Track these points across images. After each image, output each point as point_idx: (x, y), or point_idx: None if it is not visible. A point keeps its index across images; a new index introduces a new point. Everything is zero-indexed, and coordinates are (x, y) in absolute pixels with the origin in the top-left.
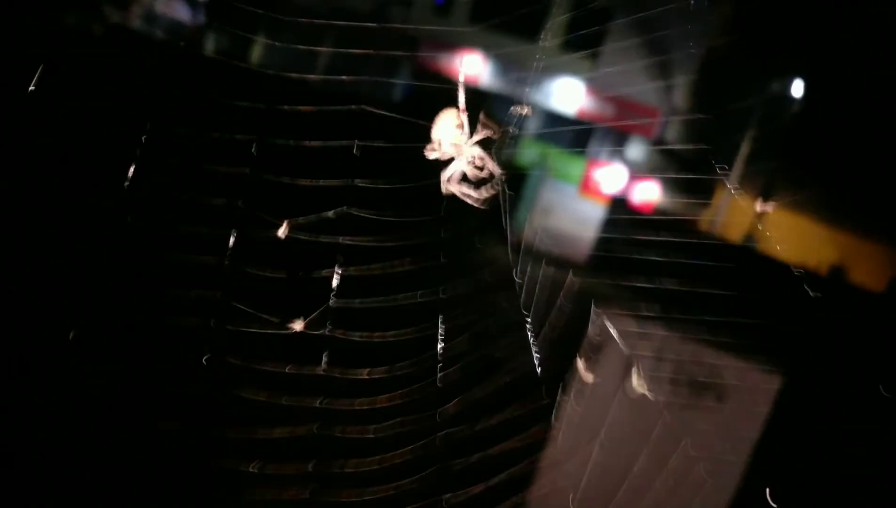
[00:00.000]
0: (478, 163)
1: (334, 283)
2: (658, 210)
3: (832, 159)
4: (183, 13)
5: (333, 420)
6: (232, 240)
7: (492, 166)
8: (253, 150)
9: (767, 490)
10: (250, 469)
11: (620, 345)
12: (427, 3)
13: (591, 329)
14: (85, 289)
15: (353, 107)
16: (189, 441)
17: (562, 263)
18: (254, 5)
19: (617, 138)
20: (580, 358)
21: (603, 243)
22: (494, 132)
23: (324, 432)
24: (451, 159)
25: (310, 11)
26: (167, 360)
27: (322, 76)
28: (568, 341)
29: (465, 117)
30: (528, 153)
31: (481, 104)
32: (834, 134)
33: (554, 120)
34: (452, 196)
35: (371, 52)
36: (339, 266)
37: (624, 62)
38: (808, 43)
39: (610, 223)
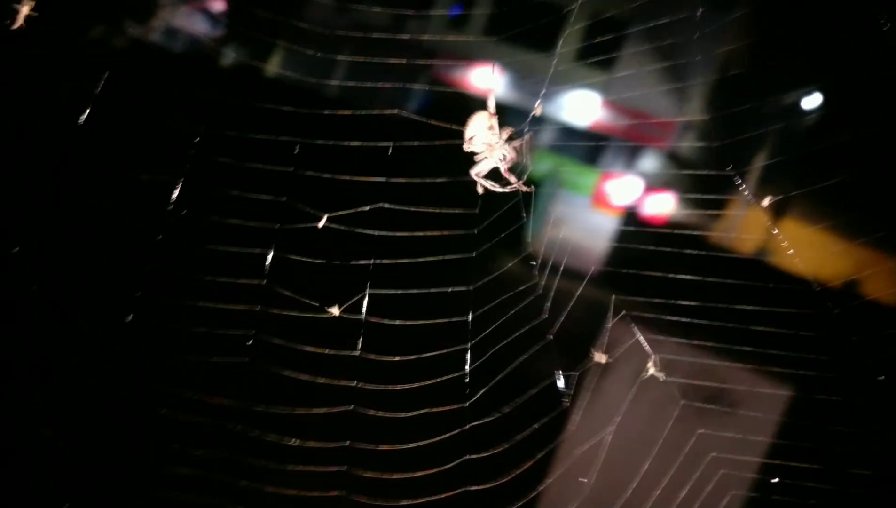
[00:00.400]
0: (508, 162)
1: (369, 271)
2: (672, 221)
3: (849, 172)
4: (203, 26)
5: (367, 402)
6: (276, 231)
7: (522, 160)
8: (296, 151)
9: (776, 479)
10: (290, 444)
11: (639, 340)
12: (443, 17)
13: (602, 331)
14: (142, 280)
15: (389, 112)
16: (235, 416)
17: (575, 272)
18: (272, 19)
19: (631, 150)
20: (590, 355)
21: (616, 255)
22: (518, 152)
23: (358, 411)
24: (481, 158)
25: (327, 25)
26: (216, 341)
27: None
28: (579, 342)
29: (495, 120)
30: (542, 164)
31: (501, 114)
32: (852, 147)
33: (568, 132)
34: (483, 193)
35: (389, 61)
36: (374, 258)
37: (639, 74)
38: (826, 54)
39: (623, 235)
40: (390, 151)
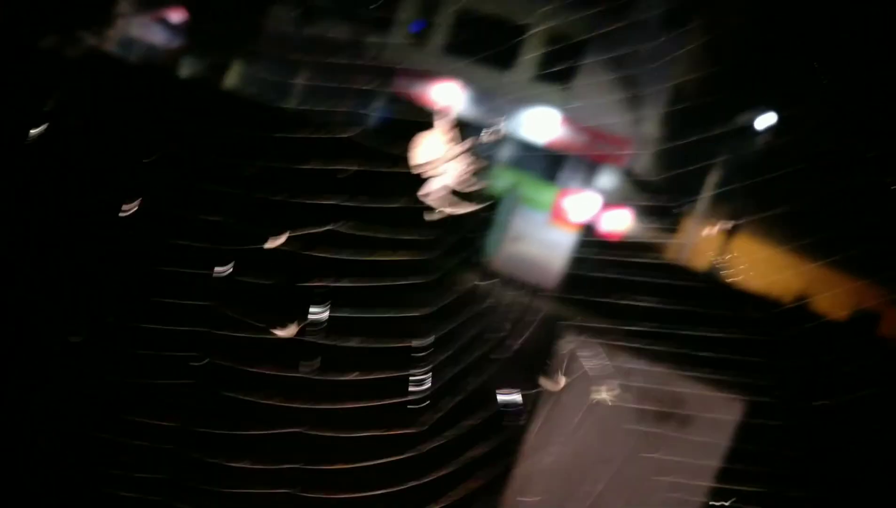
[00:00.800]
0: (461, 178)
1: (321, 293)
2: (628, 238)
3: (798, 191)
4: (160, 37)
5: (318, 423)
6: (225, 252)
7: (475, 182)
8: (246, 171)
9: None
10: (240, 466)
11: (585, 365)
12: (404, 34)
13: (559, 350)
14: (91, 296)
15: (345, 136)
16: (184, 438)
17: (533, 289)
18: (231, 32)
19: (588, 167)
20: (546, 375)
21: (572, 271)
22: (471, 163)
23: (310, 432)
24: (433, 176)
25: (287, 40)
26: (165, 362)
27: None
28: (537, 360)
29: (447, 138)
30: (501, 181)
31: (460, 132)
32: (800, 166)
33: (527, 149)
34: (437, 217)
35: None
36: (326, 279)
37: (596, 93)
38: (776, 77)
39: (580, 251)
40: (345, 174)
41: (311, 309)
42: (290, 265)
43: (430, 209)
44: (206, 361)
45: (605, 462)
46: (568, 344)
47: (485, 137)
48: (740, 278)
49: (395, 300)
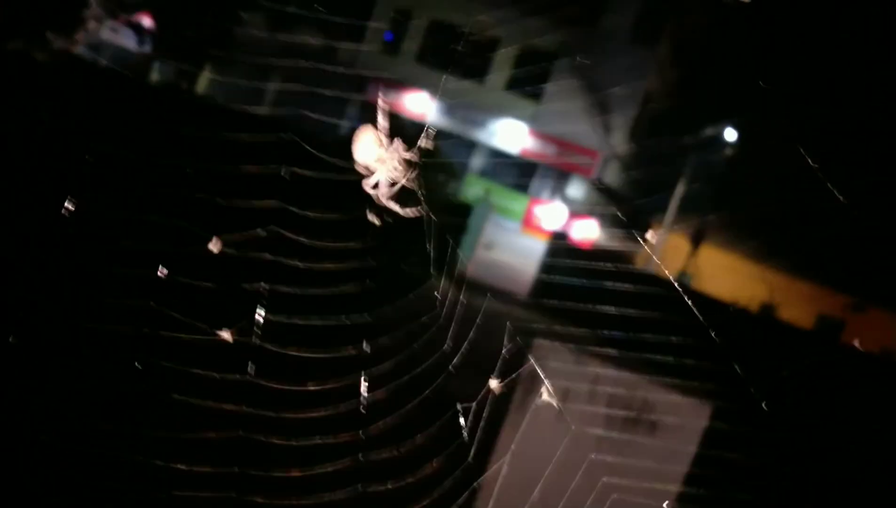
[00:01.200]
0: (402, 173)
1: (263, 297)
2: (596, 246)
3: (762, 201)
4: (130, 42)
5: (258, 428)
6: (167, 254)
7: (415, 173)
8: (188, 171)
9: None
10: (178, 468)
11: (534, 366)
12: (377, 41)
13: (503, 356)
14: (24, 296)
15: (283, 135)
16: (120, 441)
17: (498, 293)
18: (202, 37)
19: (558, 177)
20: (493, 378)
21: (542, 278)
22: (414, 154)
23: (249, 436)
24: (373, 172)
25: (259, 46)
26: (101, 363)
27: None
28: (489, 366)
29: (384, 134)
30: (473, 190)
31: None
32: (763, 177)
33: (499, 158)
34: (379, 223)
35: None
36: (267, 282)
37: (565, 105)
38: (742, 90)
39: (549, 258)
40: (283, 172)
41: (258, 312)
42: (232, 268)
43: (374, 211)
44: (145, 362)
45: (546, 465)
46: (508, 353)
47: (421, 141)
48: (706, 285)
49: (340, 306)
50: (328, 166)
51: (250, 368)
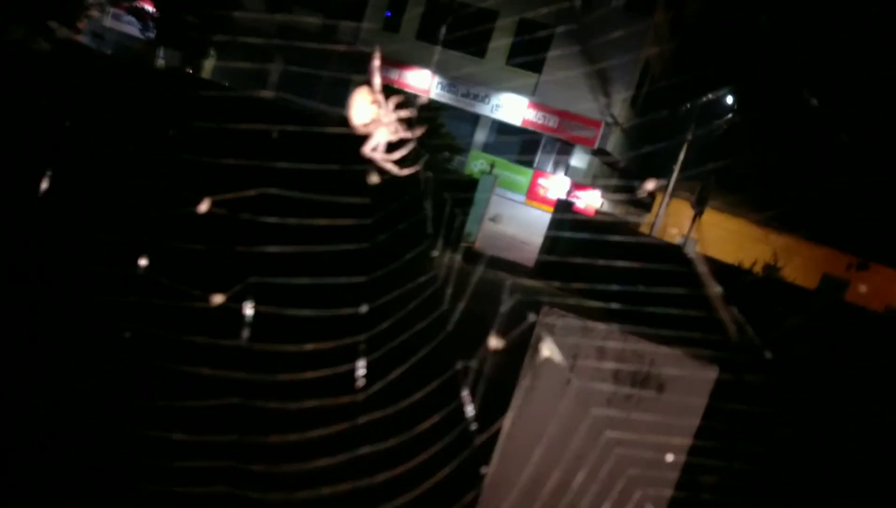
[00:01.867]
0: (398, 129)
1: (255, 259)
2: (600, 214)
3: (764, 163)
4: (133, 28)
5: (255, 394)
6: (155, 217)
7: (409, 133)
8: (171, 133)
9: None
10: (174, 438)
11: (537, 326)
12: (377, 19)
13: (502, 314)
14: (12, 266)
15: (274, 95)
16: (116, 411)
17: (504, 264)
18: (204, 21)
19: (560, 149)
20: (492, 336)
21: (547, 249)
22: (409, 111)
23: (246, 403)
24: (372, 133)
25: (259, 27)
26: (92, 334)
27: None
28: (489, 326)
29: (380, 95)
30: (476, 164)
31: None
32: (765, 140)
33: (502, 132)
34: (377, 183)
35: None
36: (259, 245)
37: (566, 76)
38: (741, 54)
39: (554, 228)
40: (274, 134)
41: (249, 277)
42: (222, 230)
43: (371, 171)
44: (133, 332)
45: (550, 422)
46: (507, 310)
47: (414, 107)
48: (711, 249)
49: (333, 267)
50: (323, 129)
51: (245, 333)
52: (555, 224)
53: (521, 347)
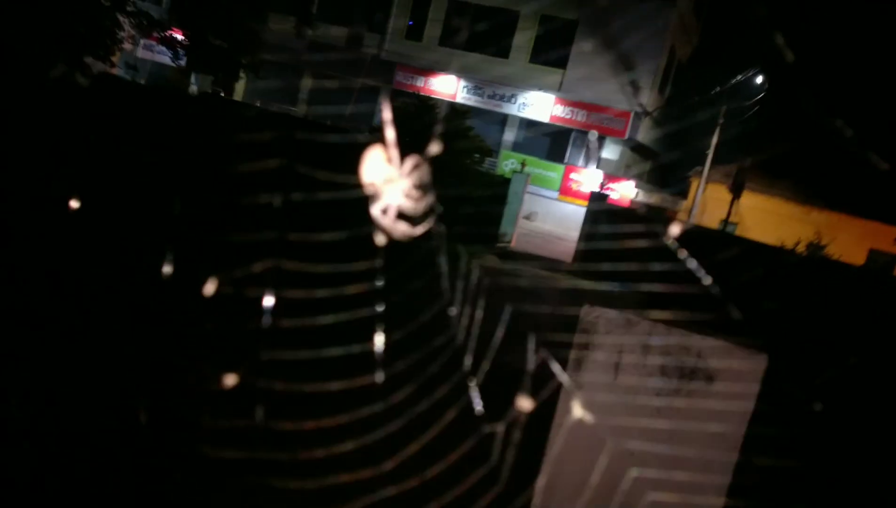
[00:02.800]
0: (414, 194)
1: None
2: (635, 205)
3: (800, 141)
4: (164, 57)
5: (273, 473)
6: (166, 300)
7: (428, 198)
8: (176, 209)
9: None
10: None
11: (561, 380)
12: (400, 28)
13: (528, 373)
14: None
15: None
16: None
17: (548, 263)
18: (232, 44)
19: (590, 142)
20: (521, 397)
21: (584, 243)
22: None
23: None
24: (383, 194)
25: (287, 45)
26: (114, 415)
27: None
28: (513, 384)
29: (394, 152)
30: (507, 164)
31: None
32: (800, 117)
33: (530, 130)
34: (387, 243)
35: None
36: (270, 315)
37: (591, 68)
38: (769, 33)
39: (589, 222)
40: (277, 201)
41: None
42: (233, 308)
43: (380, 233)
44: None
45: (586, 484)
46: (534, 365)
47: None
48: (752, 232)
49: (349, 333)
50: (328, 187)
51: (259, 413)
52: (590, 217)
53: (549, 405)
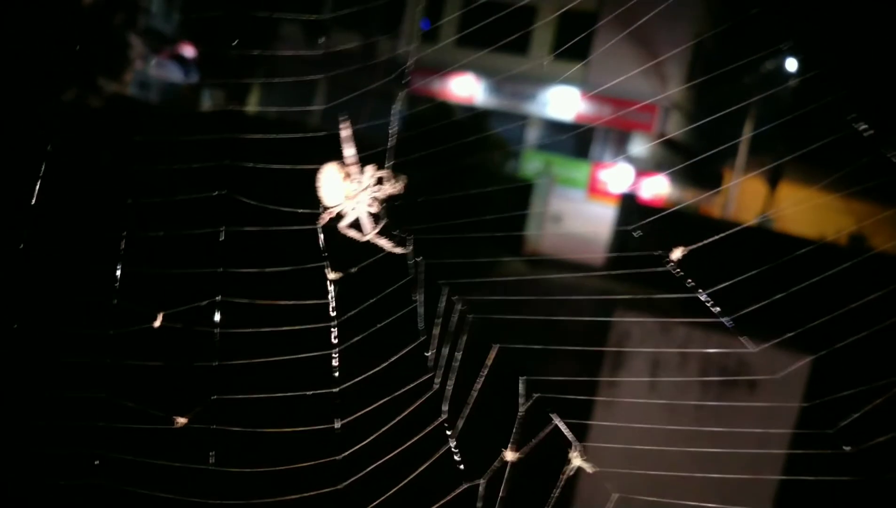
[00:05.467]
0: (379, 204)
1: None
2: (669, 202)
3: (836, 129)
4: (176, 74)
5: None
6: (108, 337)
7: (390, 189)
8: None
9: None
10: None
11: (558, 425)
12: (414, 32)
13: (519, 419)
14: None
15: (216, 193)
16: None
17: (579, 266)
18: (245, 58)
19: (618, 138)
20: (507, 448)
21: (616, 244)
22: (394, 186)
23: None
24: (346, 211)
25: (300, 56)
26: (62, 461)
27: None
28: (501, 431)
29: (353, 167)
30: (531, 164)
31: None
32: (835, 104)
33: (554, 129)
34: (337, 277)
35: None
36: (218, 358)
37: (615, 62)
38: (798, 17)
39: (622, 222)
40: (222, 236)
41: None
42: (181, 344)
43: (327, 268)
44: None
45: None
46: (524, 413)
47: (384, 184)
48: (789, 225)
49: (299, 377)
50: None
51: (211, 456)
52: (621, 218)
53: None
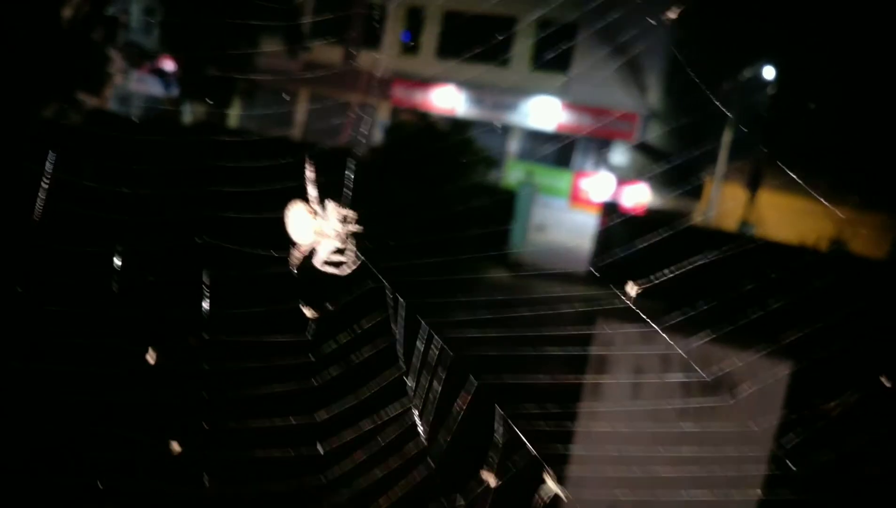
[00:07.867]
0: (345, 232)
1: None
2: (650, 210)
3: (815, 136)
4: (156, 88)
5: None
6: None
7: (353, 227)
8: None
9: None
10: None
11: (532, 452)
12: (395, 44)
13: (496, 444)
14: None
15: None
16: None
17: (564, 275)
18: (225, 71)
19: (599, 146)
20: (484, 471)
21: (600, 252)
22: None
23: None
24: (318, 245)
25: (281, 69)
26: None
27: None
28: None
29: (315, 204)
30: (513, 174)
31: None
32: (813, 111)
33: (535, 139)
34: (314, 316)
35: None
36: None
37: (595, 72)
38: (774, 25)
39: (604, 230)
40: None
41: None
42: (166, 379)
43: (304, 306)
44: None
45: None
46: (501, 438)
47: (346, 222)
48: (771, 231)
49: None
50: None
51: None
52: (603, 226)
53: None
